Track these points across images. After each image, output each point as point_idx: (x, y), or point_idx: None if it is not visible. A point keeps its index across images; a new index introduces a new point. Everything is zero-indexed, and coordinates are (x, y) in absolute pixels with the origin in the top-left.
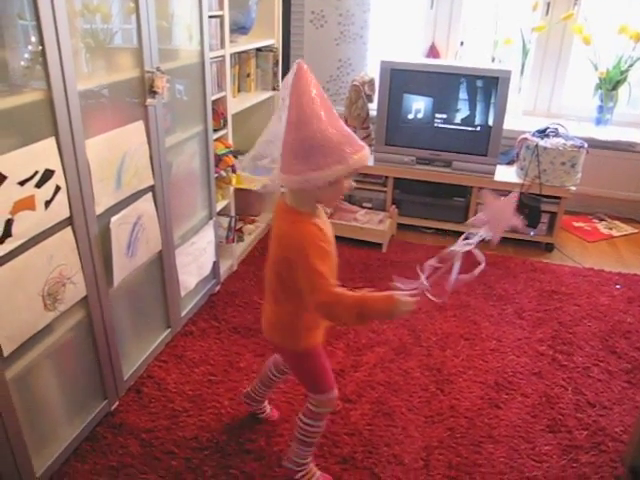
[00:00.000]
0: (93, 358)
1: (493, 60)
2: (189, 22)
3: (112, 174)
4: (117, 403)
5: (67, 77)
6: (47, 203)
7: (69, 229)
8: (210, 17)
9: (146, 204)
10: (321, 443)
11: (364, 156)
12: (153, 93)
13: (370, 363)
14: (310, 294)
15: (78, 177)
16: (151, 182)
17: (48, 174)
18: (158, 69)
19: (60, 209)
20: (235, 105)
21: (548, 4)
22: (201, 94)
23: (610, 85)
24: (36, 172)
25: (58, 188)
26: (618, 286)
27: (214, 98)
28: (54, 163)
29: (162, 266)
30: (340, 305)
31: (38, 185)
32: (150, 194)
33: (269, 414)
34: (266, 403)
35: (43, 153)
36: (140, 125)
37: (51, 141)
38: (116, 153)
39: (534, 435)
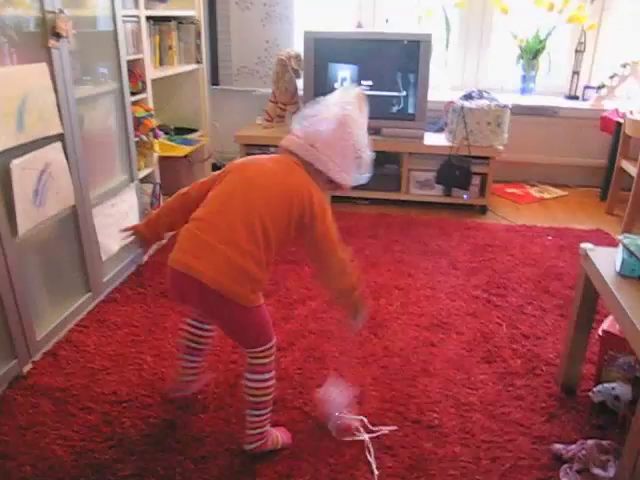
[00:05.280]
0: None
1: None
2: None
3: (11, 112)
4: (30, 366)
5: None
6: None
7: None
8: None
9: (55, 152)
10: None
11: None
12: (57, 36)
13: (302, 315)
14: (331, 250)
15: None
16: (59, 130)
17: None
18: (61, 11)
19: None
20: (156, 72)
21: None
22: (114, 50)
23: (530, 54)
24: None
25: None
26: (550, 237)
27: (130, 58)
28: None
29: (78, 223)
30: (351, 267)
31: None
32: (59, 143)
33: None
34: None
35: None
36: (43, 67)
37: None
38: (15, 91)
39: (469, 367)
